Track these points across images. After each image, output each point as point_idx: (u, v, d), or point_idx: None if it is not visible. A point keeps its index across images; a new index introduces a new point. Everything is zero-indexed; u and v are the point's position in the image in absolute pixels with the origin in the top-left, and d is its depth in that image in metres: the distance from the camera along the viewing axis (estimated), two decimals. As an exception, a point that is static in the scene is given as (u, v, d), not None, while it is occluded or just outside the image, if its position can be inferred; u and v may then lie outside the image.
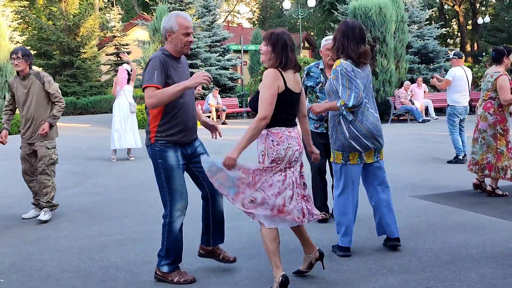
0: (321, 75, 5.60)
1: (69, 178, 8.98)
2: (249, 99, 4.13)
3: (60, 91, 6.38)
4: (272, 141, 3.81)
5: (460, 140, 9.39)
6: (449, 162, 9.37)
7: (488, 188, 6.76)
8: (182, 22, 4.06)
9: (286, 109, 3.86)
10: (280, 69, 3.84)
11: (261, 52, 3.94)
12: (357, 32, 4.47)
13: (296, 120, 4.07)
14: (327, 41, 5.51)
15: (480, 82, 9.24)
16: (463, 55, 10.00)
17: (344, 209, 4.62)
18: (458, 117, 9.36)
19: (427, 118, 18.73)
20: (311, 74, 5.67)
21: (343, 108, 4.39)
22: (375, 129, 4.54)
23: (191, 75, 4.09)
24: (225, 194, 3.91)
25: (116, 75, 12.14)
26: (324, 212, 5.58)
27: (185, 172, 4.21)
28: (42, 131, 6.12)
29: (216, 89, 20.92)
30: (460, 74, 9.42)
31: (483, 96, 6.82)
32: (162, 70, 3.95)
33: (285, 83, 3.82)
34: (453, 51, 10.67)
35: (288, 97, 3.85)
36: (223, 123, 20.06)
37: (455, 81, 9.34)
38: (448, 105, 9.52)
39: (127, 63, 11.30)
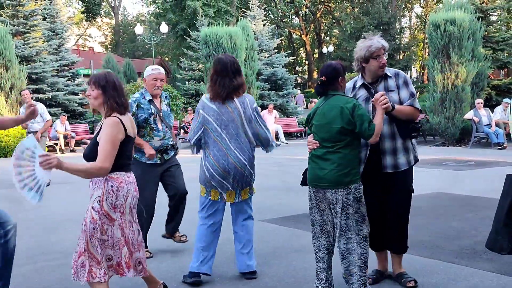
0: (151, 106, 5.38)
1: None
2: (84, 151, 3.82)
3: None
4: (112, 186, 3.59)
5: None
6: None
7: None
8: None
9: (125, 154, 3.69)
10: (118, 115, 3.63)
11: (90, 97, 3.69)
12: (223, 66, 4.56)
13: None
14: (154, 70, 5.43)
15: None
16: None
17: (201, 237, 4.70)
18: None
19: (277, 142, 19.40)
20: (142, 106, 5.36)
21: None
22: (232, 168, 4.54)
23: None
24: (17, 180, 3.40)
25: None
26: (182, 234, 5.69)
27: None
28: None
29: (64, 115, 20.01)
30: None
31: None
32: None
33: (125, 130, 3.63)
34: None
35: (127, 143, 3.69)
36: (72, 151, 19.19)
37: None
38: None
39: None
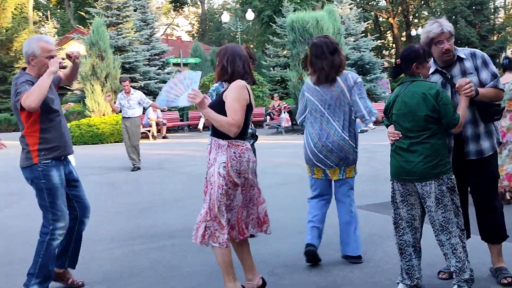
0: None
1: (2, 199, 8.61)
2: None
3: None
4: (234, 152, 3.78)
5: None
6: None
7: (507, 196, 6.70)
8: (44, 46, 4.09)
9: (246, 123, 3.87)
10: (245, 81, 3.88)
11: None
12: (320, 50, 4.58)
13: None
14: None
15: None
16: None
17: (309, 214, 4.80)
18: None
19: (365, 128, 19.10)
20: None
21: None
22: (335, 147, 4.62)
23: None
24: (164, 91, 3.93)
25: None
26: None
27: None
28: None
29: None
30: None
31: (506, 107, 6.58)
32: (31, 85, 3.95)
33: (249, 97, 3.87)
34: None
35: (248, 111, 3.88)
36: (164, 137, 19.82)
37: None
38: None
39: None
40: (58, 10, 50.13)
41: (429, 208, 3.72)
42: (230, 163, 3.76)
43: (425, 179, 3.68)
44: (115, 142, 18.98)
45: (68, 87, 22.71)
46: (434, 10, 43.80)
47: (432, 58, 4.03)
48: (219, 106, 3.79)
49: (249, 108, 3.86)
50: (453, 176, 3.75)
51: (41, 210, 4.14)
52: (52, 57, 4.08)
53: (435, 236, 3.78)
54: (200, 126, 20.20)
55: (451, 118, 3.66)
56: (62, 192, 4.13)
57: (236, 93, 3.77)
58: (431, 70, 4.03)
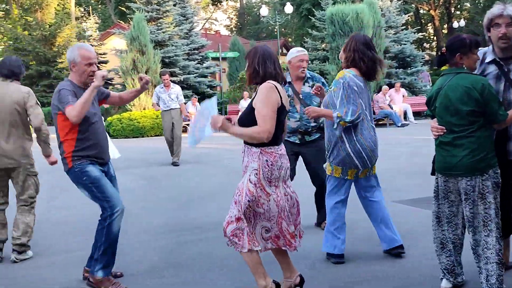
0: (289, 89, 5.45)
1: (47, 192, 8.80)
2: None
3: None
4: (267, 160, 3.67)
5: None
6: None
7: None
8: (84, 53, 4.27)
9: (278, 126, 3.72)
10: (275, 82, 3.73)
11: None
12: (371, 45, 4.54)
13: None
14: (299, 52, 5.47)
15: None
16: None
17: (338, 218, 4.65)
18: None
19: (406, 122, 18.86)
20: None
21: (337, 120, 4.34)
22: (375, 146, 4.56)
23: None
24: (190, 128, 3.99)
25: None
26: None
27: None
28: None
29: (195, 97, 20.84)
30: None
31: None
32: (74, 95, 4.17)
33: (281, 98, 3.70)
34: None
35: (281, 113, 3.73)
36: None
37: None
38: None
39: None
40: (100, 6, 50.98)
41: (472, 203, 3.60)
42: (262, 171, 3.67)
43: (471, 174, 3.58)
44: (155, 135, 19.23)
45: (109, 81, 23.08)
46: (476, 1, 42.79)
47: (480, 49, 3.80)
48: (250, 114, 3.68)
49: (281, 109, 3.71)
50: (499, 170, 3.62)
51: (96, 202, 4.27)
52: (91, 64, 4.27)
53: (474, 233, 3.64)
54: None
55: (496, 115, 3.53)
56: (106, 181, 4.25)
57: (264, 97, 3.63)
58: (488, 59, 3.82)
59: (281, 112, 3.71)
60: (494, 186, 3.58)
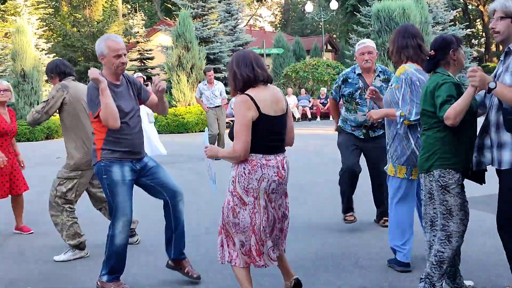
0: (360, 81, 5.40)
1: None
2: None
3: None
4: (244, 168, 3.46)
5: None
6: None
7: None
8: (111, 44, 4.09)
9: (263, 134, 3.47)
10: (247, 92, 3.46)
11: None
12: (420, 36, 4.28)
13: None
14: (360, 45, 5.39)
15: None
16: None
17: (403, 224, 4.40)
18: None
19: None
20: (349, 80, 5.43)
21: (401, 119, 4.12)
22: None
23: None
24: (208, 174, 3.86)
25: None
26: (351, 213, 5.57)
27: (142, 187, 4.35)
28: None
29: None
30: None
31: None
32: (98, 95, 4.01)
33: (258, 108, 3.42)
34: None
35: (264, 122, 3.45)
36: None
37: None
38: None
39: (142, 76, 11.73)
40: (146, 3, 51.68)
41: (425, 202, 3.66)
42: (238, 179, 3.47)
43: (420, 171, 3.66)
44: (200, 131, 19.42)
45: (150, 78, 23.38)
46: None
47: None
48: None
49: (263, 118, 3.42)
50: (451, 175, 3.48)
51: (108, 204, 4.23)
52: (120, 56, 4.08)
53: (424, 233, 3.74)
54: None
55: (438, 109, 3.43)
56: (123, 190, 4.09)
57: (235, 113, 3.45)
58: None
59: (264, 120, 3.44)
60: (440, 189, 3.50)
